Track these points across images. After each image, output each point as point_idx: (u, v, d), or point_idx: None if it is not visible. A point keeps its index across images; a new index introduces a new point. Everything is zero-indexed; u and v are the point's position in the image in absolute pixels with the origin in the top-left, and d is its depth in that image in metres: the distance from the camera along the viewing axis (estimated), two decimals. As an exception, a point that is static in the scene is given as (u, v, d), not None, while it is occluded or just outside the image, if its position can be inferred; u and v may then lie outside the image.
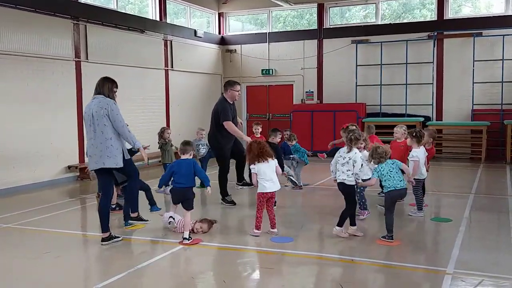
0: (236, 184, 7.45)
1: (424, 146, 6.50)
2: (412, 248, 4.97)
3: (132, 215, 5.81)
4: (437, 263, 4.54)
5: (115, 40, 10.79)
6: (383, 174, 5.19)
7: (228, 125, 6.93)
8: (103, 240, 5.21)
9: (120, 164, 5.14)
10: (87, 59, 10.10)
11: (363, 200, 6.08)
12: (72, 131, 9.79)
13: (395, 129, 6.86)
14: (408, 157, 6.36)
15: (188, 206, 5.22)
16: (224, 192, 7.16)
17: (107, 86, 5.28)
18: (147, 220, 5.85)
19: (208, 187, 5.26)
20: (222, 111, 7.01)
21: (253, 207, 6.90)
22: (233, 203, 7.06)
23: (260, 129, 8.65)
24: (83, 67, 10.00)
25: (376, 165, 5.27)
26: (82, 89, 9.95)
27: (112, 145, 5.09)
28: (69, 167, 9.70)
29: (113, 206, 6.75)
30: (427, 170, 6.46)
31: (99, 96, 5.24)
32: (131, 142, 5.18)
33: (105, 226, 5.23)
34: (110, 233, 5.25)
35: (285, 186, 8.43)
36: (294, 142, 8.31)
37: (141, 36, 11.59)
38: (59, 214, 6.77)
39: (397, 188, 5.15)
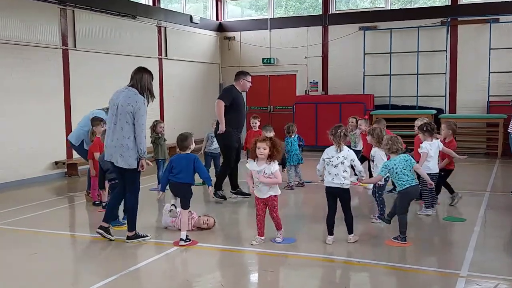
0: (230, 192, 7.45)
1: (444, 140, 6.54)
2: (423, 249, 4.98)
3: (129, 234, 5.35)
4: (450, 266, 4.55)
5: (105, 27, 10.76)
6: (396, 172, 5.08)
7: (219, 104, 6.99)
8: (128, 238, 5.26)
9: (134, 165, 5.10)
10: (75, 47, 10.08)
11: (382, 206, 5.94)
12: (60, 124, 9.79)
13: (415, 122, 6.87)
14: (418, 150, 6.37)
15: (184, 204, 5.22)
16: (218, 185, 7.22)
17: (146, 81, 5.17)
18: (147, 236, 5.40)
19: (210, 187, 5.33)
20: (224, 91, 7.16)
21: (253, 205, 6.91)
22: (223, 198, 7.17)
23: (258, 123, 8.65)
24: (70, 55, 9.98)
25: (390, 156, 5.20)
26: (70, 78, 9.94)
27: (128, 144, 5.06)
28: (56, 163, 9.71)
29: (104, 205, 6.77)
30: (451, 165, 6.49)
31: (131, 89, 5.13)
32: (140, 148, 5.08)
33: (132, 225, 5.27)
34: (135, 232, 5.29)
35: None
36: (294, 136, 8.22)
37: (133, 22, 11.55)
38: (45, 213, 6.78)
39: (412, 185, 5.07)
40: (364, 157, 7.62)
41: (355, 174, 6.11)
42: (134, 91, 5.14)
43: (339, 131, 5.09)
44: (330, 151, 5.13)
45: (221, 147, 7.38)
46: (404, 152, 5.31)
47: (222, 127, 6.99)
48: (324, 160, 5.13)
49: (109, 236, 5.33)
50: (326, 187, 5.13)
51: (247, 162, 5.11)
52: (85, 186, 7.57)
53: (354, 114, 12.42)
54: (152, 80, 5.34)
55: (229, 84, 7.67)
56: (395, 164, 5.11)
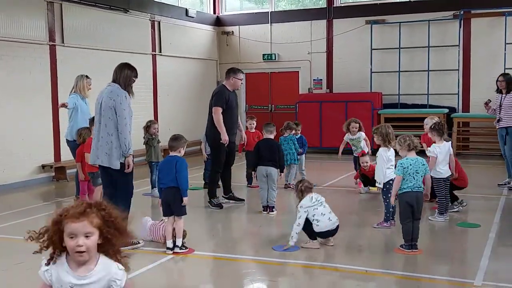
0: (222, 196, 7.43)
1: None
2: (435, 257, 4.97)
3: None
4: (464, 275, 4.55)
5: (95, 21, 10.77)
6: (408, 173, 5.02)
7: (217, 111, 7.00)
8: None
9: (116, 166, 5.15)
10: (62, 42, 10.09)
11: (386, 211, 5.96)
12: (47, 124, 9.79)
13: (425, 121, 6.87)
14: (426, 152, 6.37)
15: (177, 211, 5.11)
16: (212, 193, 7.20)
17: (124, 74, 5.29)
18: (139, 243, 5.39)
19: (185, 198, 5.06)
20: (215, 95, 7.13)
21: (252, 211, 6.92)
22: (220, 206, 7.10)
23: (255, 123, 8.67)
24: (58, 51, 9.99)
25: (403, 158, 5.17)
26: (58, 76, 9.95)
27: (113, 142, 5.13)
28: (43, 166, 9.71)
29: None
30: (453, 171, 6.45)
31: (114, 85, 5.27)
32: (125, 144, 5.12)
33: None
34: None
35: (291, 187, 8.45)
36: (287, 134, 8.22)
37: (124, 16, 11.56)
38: (32, 220, 6.77)
39: (412, 190, 5.01)
40: (367, 178, 7.76)
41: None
42: (117, 86, 5.25)
43: (300, 185, 5.25)
44: (309, 200, 5.15)
45: (211, 151, 7.42)
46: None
47: (225, 137, 6.97)
48: (311, 207, 5.10)
49: (129, 247, 5.19)
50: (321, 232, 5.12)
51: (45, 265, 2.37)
52: (74, 191, 7.57)
53: (361, 113, 12.46)
54: (135, 75, 5.39)
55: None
56: (410, 164, 5.06)
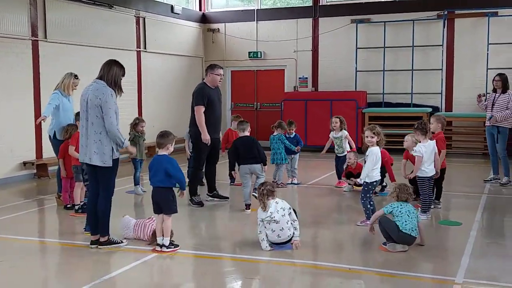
0: (207, 194, 7.42)
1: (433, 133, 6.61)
2: (417, 255, 5.02)
3: (102, 239, 5.24)
4: (445, 272, 4.61)
5: (78, 17, 10.66)
6: (400, 212, 5.08)
7: (199, 110, 6.99)
8: (100, 244, 5.19)
9: (109, 163, 5.11)
10: (45, 38, 9.96)
11: (365, 209, 5.94)
12: (28, 121, 9.65)
13: (405, 137, 6.91)
14: (411, 152, 6.43)
15: (166, 209, 5.10)
16: (193, 191, 7.18)
17: (113, 72, 5.23)
18: (122, 242, 5.35)
19: (182, 191, 5.19)
20: (195, 93, 7.12)
21: (237, 209, 6.92)
22: (201, 204, 7.09)
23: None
24: (41, 47, 9.86)
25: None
26: (40, 72, 9.82)
27: (101, 140, 5.07)
28: (24, 163, 9.59)
29: (76, 208, 6.70)
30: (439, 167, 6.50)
31: (100, 82, 5.20)
32: (119, 141, 5.12)
33: (105, 229, 5.21)
34: (109, 237, 5.24)
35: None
36: (276, 133, 8.28)
37: (109, 12, 11.46)
38: (12, 217, 6.69)
39: (412, 235, 5.05)
40: (351, 173, 7.76)
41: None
42: (103, 83, 5.18)
43: (262, 188, 5.12)
44: (263, 214, 5.06)
45: (193, 148, 7.41)
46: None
47: (205, 136, 6.95)
48: (264, 220, 5.04)
49: (111, 246, 5.24)
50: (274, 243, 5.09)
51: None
52: (56, 188, 7.48)
53: (345, 112, 12.49)
54: (123, 74, 5.36)
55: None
56: (401, 205, 5.16)
